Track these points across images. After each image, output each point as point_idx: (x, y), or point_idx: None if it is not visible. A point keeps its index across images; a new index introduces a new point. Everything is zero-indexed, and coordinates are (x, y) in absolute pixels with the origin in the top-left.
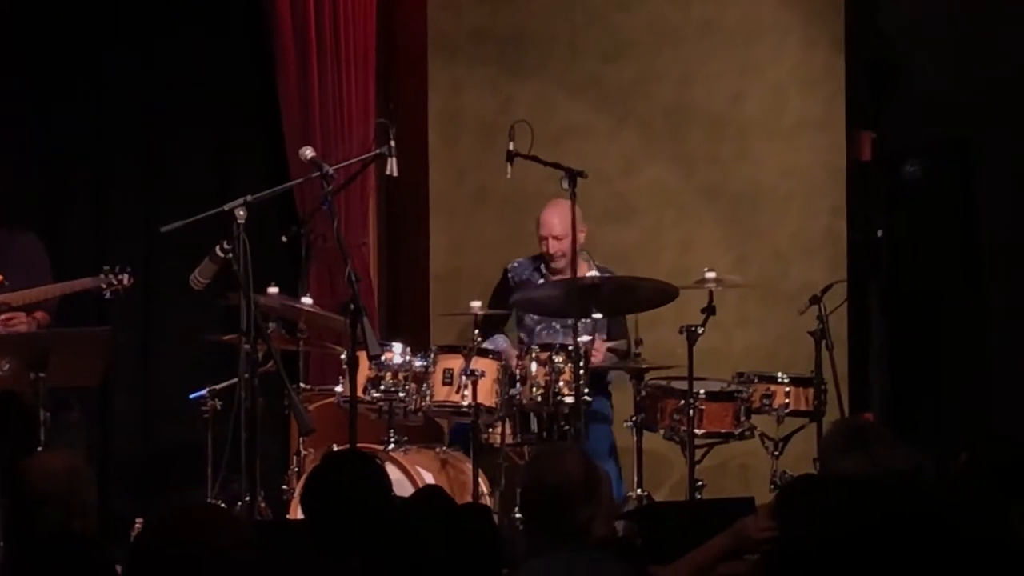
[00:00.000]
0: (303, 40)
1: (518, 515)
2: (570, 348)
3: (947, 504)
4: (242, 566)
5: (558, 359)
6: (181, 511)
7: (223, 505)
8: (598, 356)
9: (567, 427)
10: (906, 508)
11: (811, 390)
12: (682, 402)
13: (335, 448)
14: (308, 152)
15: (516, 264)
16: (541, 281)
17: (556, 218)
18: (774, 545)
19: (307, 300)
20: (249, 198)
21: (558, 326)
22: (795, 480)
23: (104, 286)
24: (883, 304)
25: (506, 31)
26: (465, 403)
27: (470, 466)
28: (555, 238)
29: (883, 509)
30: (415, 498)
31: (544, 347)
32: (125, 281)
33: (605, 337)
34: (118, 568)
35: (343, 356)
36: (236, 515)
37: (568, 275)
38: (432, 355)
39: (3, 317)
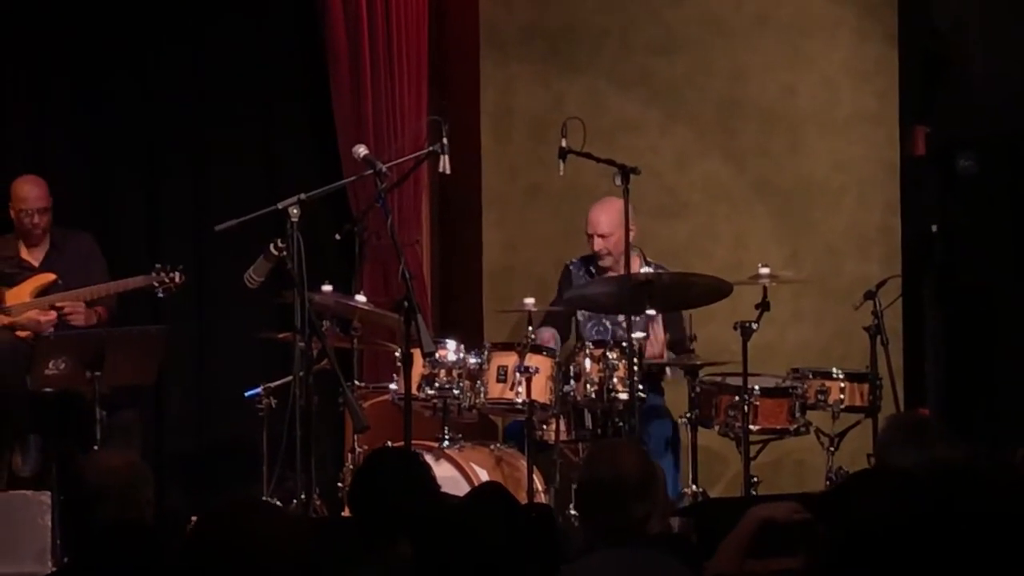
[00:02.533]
0: (355, 37)
1: (573, 512)
2: (624, 344)
3: (1004, 497)
4: (293, 560)
5: (612, 355)
6: (234, 505)
7: (278, 502)
8: (655, 348)
9: (621, 423)
10: (963, 499)
11: (866, 386)
12: (737, 398)
13: (389, 445)
14: (361, 150)
15: (575, 261)
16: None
17: (603, 216)
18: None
19: (361, 298)
20: (303, 196)
21: (608, 323)
22: (853, 474)
23: (156, 284)
24: (938, 299)
25: (557, 26)
26: (519, 400)
27: (524, 463)
28: (601, 236)
29: (940, 499)
30: (475, 494)
31: (598, 343)
32: (177, 279)
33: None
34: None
35: (397, 354)
36: (289, 511)
37: (612, 272)
38: (486, 352)
39: (66, 307)
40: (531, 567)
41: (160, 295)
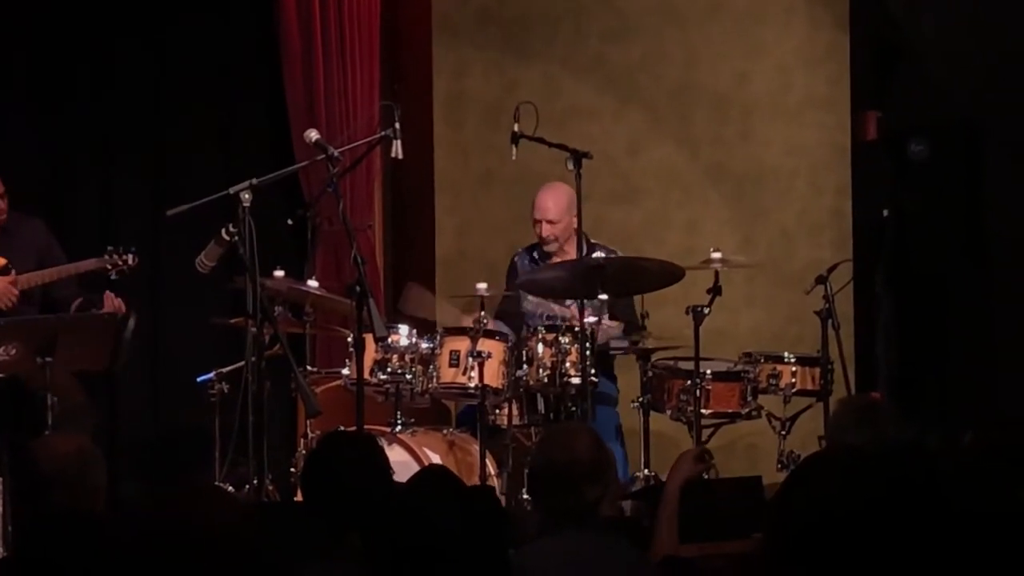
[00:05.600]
0: (307, 22)
1: (526, 496)
2: (576, 329)
3: (953, 477)
4: (242, 544)
5: (564, 340)
6: (184, 491)
7: (230, 487)
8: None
9: (574, 408)
10: (913, 478)
11: (817, 370)
12: (689, 382)
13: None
14: (313, 135)
15: (520, 252)
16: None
17: (551, 201)
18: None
19: (313, 283)
20: (254, 181)
21: (556, 308)
22: (806, 458)
23: (109, 267)
24: (889, 283)
25: (511, 12)
26: (472, 384)
27: (477, 447)
28: (549, 222)
29: (890, 477)
30: (419, 478)
31: (550, 328)
32: (130, 261)
33: (607, 317)
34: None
35: (349, 339)
36: (236, 495)
37: (558, 258)
38: (438, 337)
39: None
40: (480, 549)
41: (113, 278)
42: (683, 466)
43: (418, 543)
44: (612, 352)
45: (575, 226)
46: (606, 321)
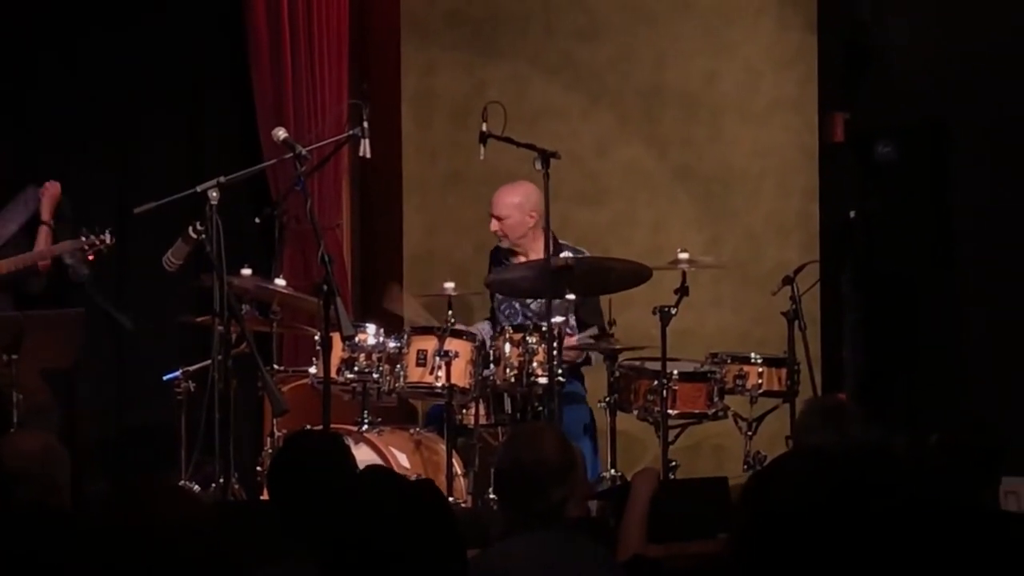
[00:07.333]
0: (276, 20)
1: (492, 495)
2: (543, 329)
3: (918, 477)
4: (201, 541)
5: (532, 340)
6: (140, 488)
7: (196, 486)
8: (570, 354)
9: (541, 408)
10: (878, 479)
11: (784, 370)
12: (655, 383)
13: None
14: (281, 133)
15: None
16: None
17: (502, 198)
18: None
19: (280, 282)
20: (222, 179)
21: (517, 305)
22: (774, 459)
23: (86, 247)
24: (857, 284)
25: (480, 12)
26: (439, 384)
27: (444, 447)
28: (496, 217)
29: (855, 478)
30: (359, 478)
31: (518, 328)
32: (107, 240)
33: (573, 318)
34: None
35: (316, 337)
36: (192, 492)
37: (523, 257)
38: (406, 336)
39: None
40: (431, 540)
41: (90, 258)
42: (651, 479)
43: (365, 537)
44: (586, 362)
45: (531, 225)
46: (581, 334)
